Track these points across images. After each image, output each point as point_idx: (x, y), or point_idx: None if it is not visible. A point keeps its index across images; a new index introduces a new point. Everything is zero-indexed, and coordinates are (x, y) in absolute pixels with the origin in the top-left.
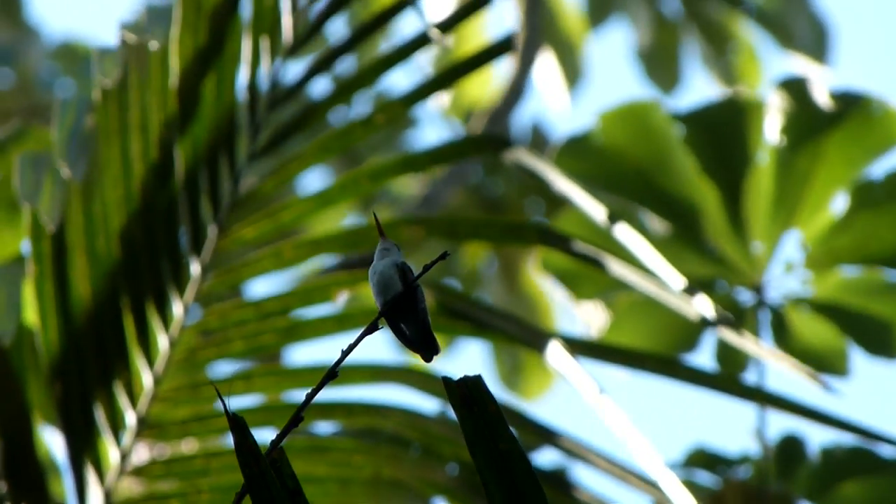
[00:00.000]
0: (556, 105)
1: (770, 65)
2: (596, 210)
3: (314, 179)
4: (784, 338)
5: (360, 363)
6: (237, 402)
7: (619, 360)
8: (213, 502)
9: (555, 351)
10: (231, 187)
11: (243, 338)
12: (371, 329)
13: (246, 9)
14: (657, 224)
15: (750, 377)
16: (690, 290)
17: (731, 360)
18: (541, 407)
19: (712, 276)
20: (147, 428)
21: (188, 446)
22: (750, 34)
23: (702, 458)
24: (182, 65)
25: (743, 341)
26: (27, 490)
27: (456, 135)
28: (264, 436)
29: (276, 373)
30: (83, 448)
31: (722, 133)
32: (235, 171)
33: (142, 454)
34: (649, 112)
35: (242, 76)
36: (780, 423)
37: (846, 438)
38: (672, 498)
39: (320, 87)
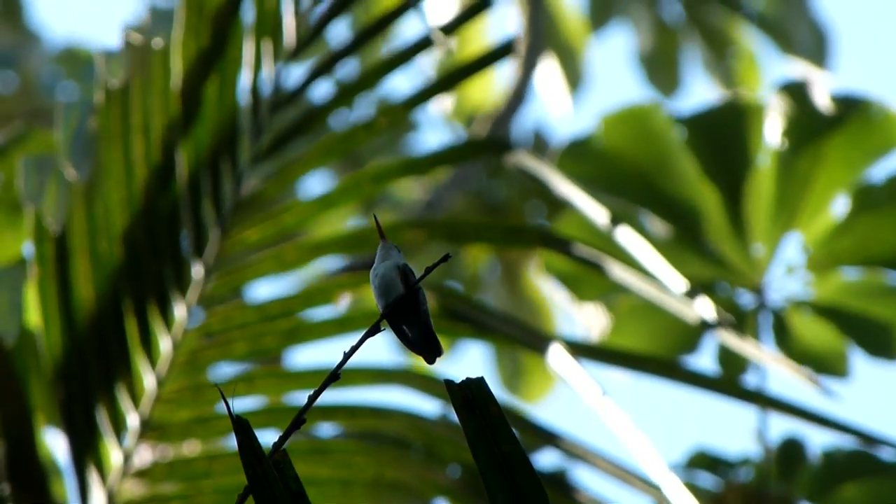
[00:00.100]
0: (558, 109)
1: (770, 70)
2: (597, 213)
3: (316, 183)
4: (785, 340)
5: (362, 365)
6: (239, 404)
7: (621, 362)
8: None
9: (556, 354)
10: (233, 190)
11: (245, 340)
12: (373, 331)
13: (248, 12)
14: (658, 226)
15: (751, 379)
16: (691, 293)
17: (732, 362)
18: (542, 410)
19: (713, 278)
20: (149, 430)
21: (190, 448)
22: (750, 39)
23: (703, 460)
24: (184, 67)
25: (743, 344)
26: (29, 492)
27: (458, 138)
28: (267, 438)
29: (278, 375)
30: (85, 450)
31: (723, 136)
32: (238, 174)
33: (144, 456)
34: (650, 115)
35: (245, 79)
36: (781, 425)
37: (847, 441)
38: (673, 500)
39: (322, 90)
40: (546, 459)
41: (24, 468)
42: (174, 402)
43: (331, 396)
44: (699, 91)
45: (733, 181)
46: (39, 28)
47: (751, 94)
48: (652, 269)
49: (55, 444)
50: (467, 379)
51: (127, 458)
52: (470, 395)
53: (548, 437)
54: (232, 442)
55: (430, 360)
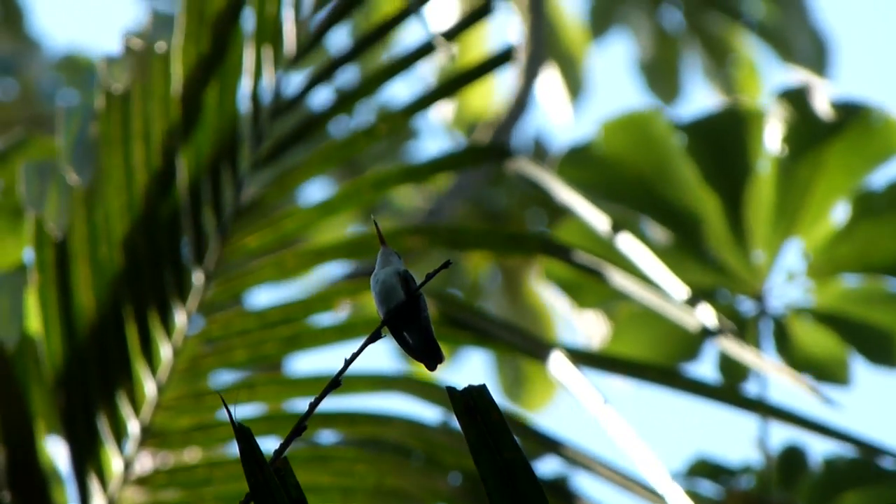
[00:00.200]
0: (558, 118)
1: (770, 78)
2: (597, 219)
3: (316, 190)
4: (785, 347)
5: (363, 372)
6: (240, 411)
7: (622, 370)
8: None
9: (558, 361)
10: (234, 196)
11: (246, 347)
12: (374, 338)
13: (249, 19)
14: (658, 233)
15: (752, 387)
16: (692, 300)
17: (733, 369)
18: (543, 418)
19: (713, 285)
20: (150, 437)
21: (191, 455)
22: (750, 47)
23: (704, 468)
24: (185, 73)
25: (744, 353)
26: (30, 499)
27: (458, 145)
28: (268, 445)
29: (279, 382)
30: (86, 457)
31: (723, 142)
32: (238, 181)
33: (145, 463)
34: (650, 121)
35: (245, 86)
36: (782, 433)
37: (848, 449)
38: None
39: (322, 97)
40: (547, 466)
41: (25, 475)
42: (175, 409)
43: (332, 403)
44: (699, 99)
45: (733, 188)
46: (40, 35)
47: (751, 101)
48: (652, 276)
49: (56, 450)
50: (469, 386)
51: (128, 465)
52: (472, 402)
53: (549, 444)
54: (232, 449)
55: (431, 367)
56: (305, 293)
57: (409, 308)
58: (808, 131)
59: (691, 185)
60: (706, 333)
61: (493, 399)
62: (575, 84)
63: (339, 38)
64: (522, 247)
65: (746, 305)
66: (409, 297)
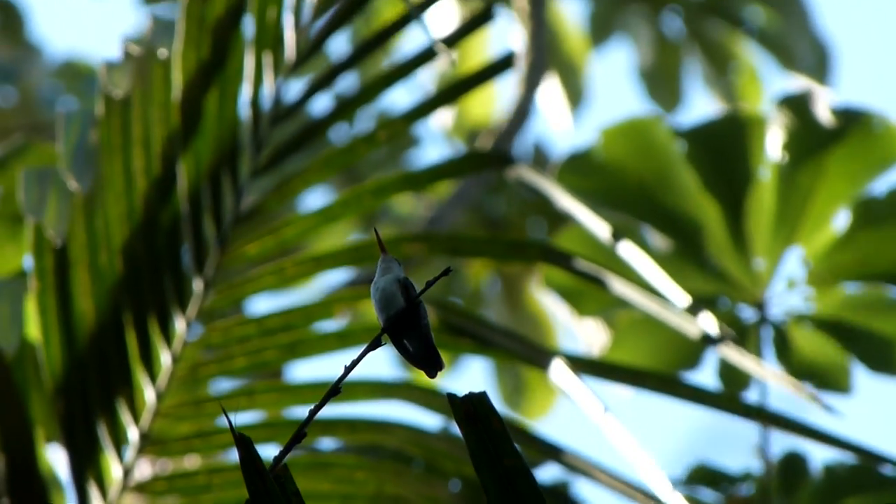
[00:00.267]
0: (559, 125)
1: (771, 85)
2: (598, 226)
3: (316, 199)
4: (786, 355)
5: (363, 379)
6: (240, 418)
7: (622, 378)
8: None
9: (558, 369)
10: (234, 203)
11: (246, 354)
12: (374, 345)
13: (249, 25)
14: (658, 240)
15: (752, 394)
16: (693, 308)
17: (734, 377)
18: (543, 426)
19: (714, 292)
20: (149, 444)
21: (191, 462)
22: (751, 55)
23: (704, 475)
24: (185, 80)
25: (744, 361)
26: None
27: (458, 152)
28: (267, 452)
29: (278, 389)
30: (86, 463)
31: (723, 149)
32: (238, 188)
33: (144, 470)
34: (651, 128)
35: (245, 92)
36: (782, 440)
37: (849, 456)
38: None
39: (322, 104)
40: (548, 473)
41: (25, 482)
42: (174, 416)
43: (331, 410)
44: (700, 106)
45: (734, 195)
46: (39, 42)
47: (751, 108)
48: (653, 283)
49: (55, 457)
50: (470, 393)
51: (127, 472)
52: (472, 409)
53: (550, 451)
54: (232, 455)
55: (431, 375)
56: (305, 300)
57: (410, 315)
58: (809, 138)
59: (692, 192)
60: (707, 341)
61: (493, 406)
62: (575, 92)
63: (340, 45)
64: (523, 254)
65: (747, 313)
66: (409, 305)
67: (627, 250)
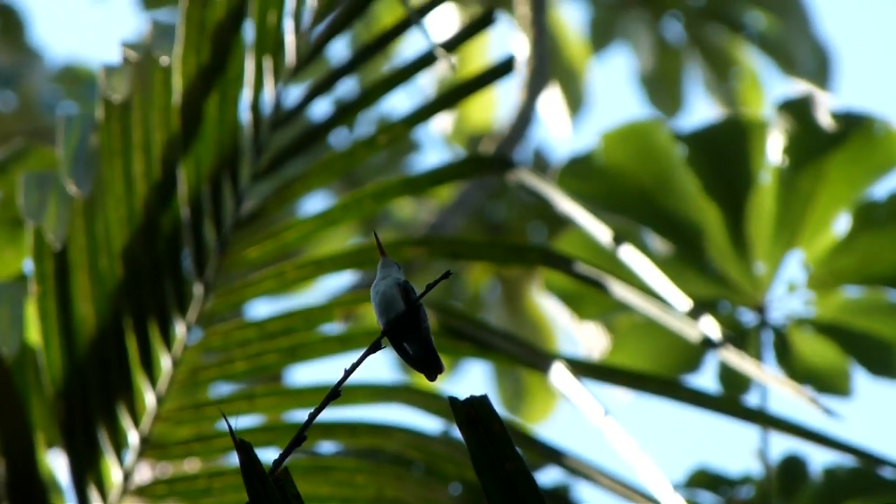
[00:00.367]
0: (559, 131)
1: (772, 90)
2: (599, 230)
3: (316, 203)
4: (787, 358)
5: (363, 383)
6: (240, 422)
7: (622, 381)
8: None
9: (559, 372)
10: (234, 207)
11: (246, 358)
12: (374, 348)
13: (249, 30)
14: (659, 244)
15: (752, 398)
16: (693, 311)
17: (734, 381)
18: (543, 430)
19: (714, 296)
20: (150, 447)
21: (191, 466)
22: (752, 60)
23: (704, 479)
24: (185, 84)
25: (745, 364)
26: None
27: (458, 156)
28: (267, 455)
29: (278, 392)
30: (86, 467)
31: (724, 153)
32: (238, 192)
33: (144, 474)
34: (651, 132)
35: (245, 96)
36: (782, 443)
37: (849, 459)
38: None
39: (322, 108)
40: (549, 476)
41: (25, 485)
42: (174, 420)
43: (331, 414)
44: (701, 112)
45: (735, 199)
46: (39, 47)
47: (752, 112)
48: (653, 287)
49: (55, 461)
50: (471, 396)
51: (127, 475)
52: (474, 412)
53: (551, 455)
54: (232, 459)
55: (431, 378)
56: (305, 304)
57: (410, 319)
58: (809, 142)
59: (692, 196)
60: (707, 344)
61: (494, 409)
62: (576, 98)
63: (340, 49)
64: (523, 258)
65: (747, 316)
66: (410, 308)
67: (628, 254)
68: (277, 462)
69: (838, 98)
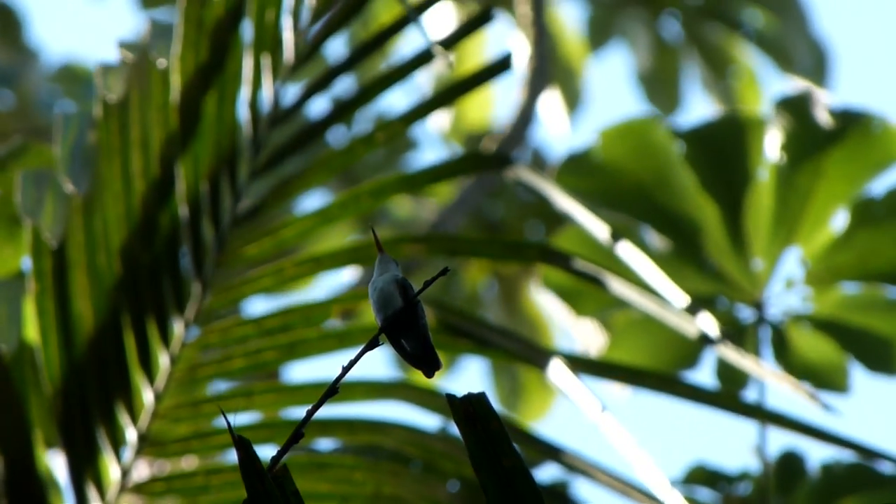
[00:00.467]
0: (557, 129)
1: (770, 88)
2: (597, 227)
3: (314, 201)
4: (784, 354)
5: (361, 380)
6: (238, 419)
7: (620, 377)
8: None
9: (556, 368)
10: (232, 205)
11: (244, 355)
12: (372, 345)
13: (247, 28)
14: (657, 241)
15: (750, 394)
16: (691, 308)
17: (732, 376)
18: (541, 426)
19: (712, 292)
20: (148, 445)
21: (189, 463)
22: (750, 58)
23: (702, 475)
24: (183, 82)
25: (743, 360)
26: None
27: (456, 153)
28: (265, 452)
29: (276, 389)
30: (84, 465)
31: (722, 150)
32: (236, 190)
33: (142, 471)
34: (649, 129)
35: (244, 94)
36: (780, 439)
37: (846, 455)
38: None
39: (320, 106)
40: (547, 473)
41: (23, 483)
42: (172, 417)
43: (329, 411)
44: (699, 110)
45: (733, 196)
46: (37, 46)
47: (750, 109)
48: (651, 283)
49: (53, 459)
50: (469, 394)
51: (125, 472)
52: (471, 409)
53: (549, 451)
54: (230, 456)
55: (429, 374)
56: (304, 301)
57: (408, 315)
58: (807, 139)
59: (690, 193)
60: (705, 341)
61: (492, 406)
62: (574, 96)
63: (338, 47)
64: (521, 255)
65: (745, 313)
66: (408, 305)
67: (626, 251)
68: (275, 459)
69: (835, 96)
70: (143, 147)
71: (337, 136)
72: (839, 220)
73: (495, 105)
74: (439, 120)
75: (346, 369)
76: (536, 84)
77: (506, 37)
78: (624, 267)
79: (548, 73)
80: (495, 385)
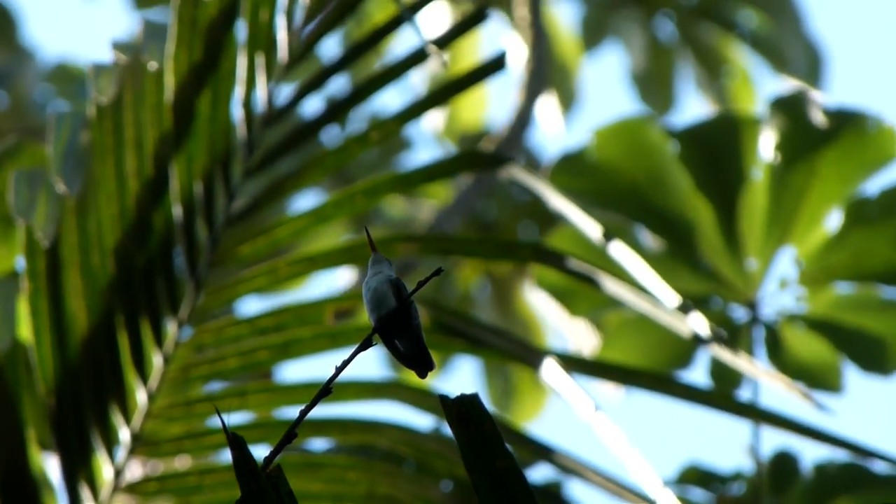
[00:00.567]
0: (551, 129)
1: (764, 89)
2: (590, 227)
3: (308, 201)
4: (778, 354)
5: (354, 380)
6: (231, 419)
7: (614, 376)
8: None
9: (550, 368)
10: (226, 205)
11: (238, 355)
12: (365, 345)
13: (241, 28)
14: (651, 241)
15: (744, 393)
16: (685, 307)
17: (726, 376)
18: (534, 426)
19: (706, 292)
20: (141, 444)
21: (182, 463)
22: (744, 58)
23: (695, 475)
24: (177, 82)
25: (736, 359)
26: None
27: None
28: (258, 452)
29: (270, 389)
30: (77, 464)
31: (716, 150)
32: (230, 189)
33: (135, 471)
34: (643, 129)
35: (237, 94)
36: (773, 439)
37: (839, 454)
38: None
39: (314, 106)
40: (540, 473)
41: (16, 483)
42: (166, 417)
43: (323, 411)
44: (693, 110)
45: (727, 195)
46: (32, 46)
47: (744, 108)
48: (645, 283)
49: (47, 458)
50: (462, 394)
51: (118, 472)
52: (464, 410)
53: (541, 452)
54: (223, 456)
55: (422, 375)
56: (297, 301)
57: (401, 315)
58: (801, 139)
59: (684, 193)
60: (699, 340)
61: (485, 407)
62: (568, 96)
63: (332, 47)
64: (515, 254)
65: (739, 313)
66: (401, 305)
67: (619, 250)
68: (268, 459)
69: (829, 96)
70: (136, 147)
71: (331, 135)
72: (833, 220)
73: (489, 105)
74: (433, 119)
75: (339, 369)
76: (534, 86)
77: (500, 36)
78: (617, 267)
79: (545, 75)
80: (488, 385)
